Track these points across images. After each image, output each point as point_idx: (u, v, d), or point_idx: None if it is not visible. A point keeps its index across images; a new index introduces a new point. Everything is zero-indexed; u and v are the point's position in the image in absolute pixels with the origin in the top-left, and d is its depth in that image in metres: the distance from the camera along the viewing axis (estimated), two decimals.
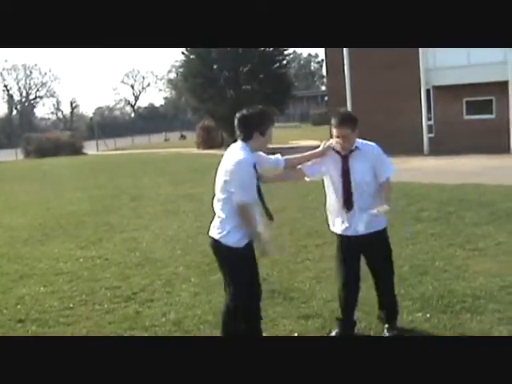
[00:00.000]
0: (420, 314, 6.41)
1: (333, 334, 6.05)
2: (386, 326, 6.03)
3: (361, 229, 5.73)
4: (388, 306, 6.09)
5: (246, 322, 5.55)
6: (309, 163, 5.91)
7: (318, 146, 5.84)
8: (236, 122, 5.33)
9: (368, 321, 6.29)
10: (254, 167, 5.23)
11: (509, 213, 11.20)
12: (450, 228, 10.34)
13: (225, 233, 5.31)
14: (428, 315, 6.36)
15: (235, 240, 5.29)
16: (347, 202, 5.78)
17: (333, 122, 5.72)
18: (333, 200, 5.92)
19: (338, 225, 5.95)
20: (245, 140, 5.28)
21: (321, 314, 6.61)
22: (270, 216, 5.49)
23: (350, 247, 5.92)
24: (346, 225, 5.86)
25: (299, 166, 5.93)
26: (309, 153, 5.93)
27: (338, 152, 5.78)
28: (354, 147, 5.72)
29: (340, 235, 5.97)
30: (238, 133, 5.34)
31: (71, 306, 7.55)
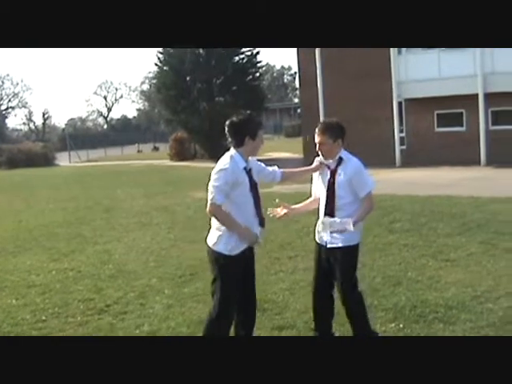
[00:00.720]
0: (393, 325, 6.44)
1: None
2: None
3: (326, 239, 5.83)
4: (353, 324, 6.02)
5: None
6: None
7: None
8: (226, 129, 5.45)
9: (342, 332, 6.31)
10: (246, 170, 5.37)
11: (480, 224, 11.32)
12: (422, 239, 10.43)
13: (216, 240, 5.39)
14: (401, 325, 6.40)
15: (228, 248, 5.37)
16: (328, 209, 5.84)
17: (316, 129, 5.83)
18: (320, 207, 6.01)
19: (316, 233, 6.02)
20: (237, 146, 5.41)
21: (294, 325, 6.62)
22: (261, 222, 5.56)
23: (321, 256, 5.99)
24: (321, 234, 5.93)
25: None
26: (304, 168, 6.11)
27: (327, 165, 5.87)
28: (338, 159, 5.79)
29: (316, 243, 6.05)
30: (229, 140, 5.47)
31: (44, 318, 7.47)
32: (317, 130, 5.81)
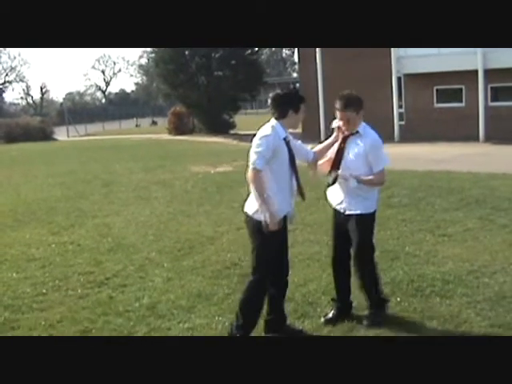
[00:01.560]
0: (391, 298, 6.50)
1: (329, 315, 6.12)
2: (365, 313, 6.12)
3: (344, 206, 5.95)
4: (365, 294, 6.16)
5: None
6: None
7: (291, 133, 5.93)
8: (270, 101, 5.62)
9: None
10: (285, 140, 5.48)
11: (478, 199, 11.37)
12: (420, 214, 10.48)
13: (256, 209, 5.46)
14: (398, 299, 6.47)
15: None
16: (332, 182, 5.95)
17: (336, 105, 5.86)
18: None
19: (333, 200, 6.13)
20: (279, 118, 5.53)
21: (293, 298, 6.66)
22: (302, 194, 5.71)
23: (337, 223, 6.11)
24: (336, 199, 6.05)
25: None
26: (328, 142, 6.09)
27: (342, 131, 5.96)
28: (355, 131, 5.86)
29: (333, 209, 6.15)
30: (272, 111, 5.59)
31: (44, 291, 7.53)
32: (338, 106, 5.85)
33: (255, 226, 5.53)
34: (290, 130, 5.62)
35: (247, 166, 5.44)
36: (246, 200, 5.68)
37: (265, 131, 5.47)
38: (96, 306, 6.91)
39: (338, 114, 5.88)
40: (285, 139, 5.49)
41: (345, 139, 5.91)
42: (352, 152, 5.85)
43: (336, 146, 5.98)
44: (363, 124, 5.92)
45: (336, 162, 5.89)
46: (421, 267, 7.55)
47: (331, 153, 6.01)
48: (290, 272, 5.94)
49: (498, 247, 8.26)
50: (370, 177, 5.85)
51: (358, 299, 6.28)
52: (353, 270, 6.16)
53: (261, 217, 5.42)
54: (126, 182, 17.08)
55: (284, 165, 5.50)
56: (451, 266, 7.54)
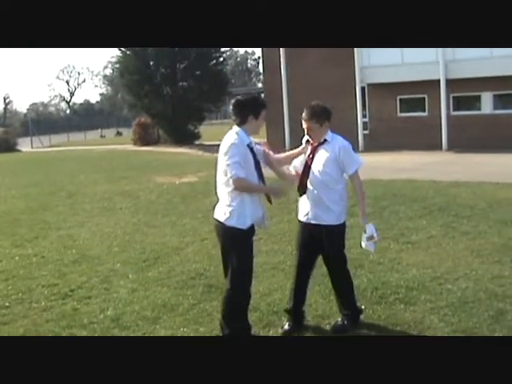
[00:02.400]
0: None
1: (286, 327, 6.15)
2: (337, 320, 6.18)
3: (310, 217, 6.03)
4: (342, 301, 6.24)
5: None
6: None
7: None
8: (231, 107, 5.68)
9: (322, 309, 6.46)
10: (249, 147, 5.54)
11: (441, 207, 11.52)
12: (384, 222, 10.56)
13: (229, 215, 5.50)
14: (363, 307, 6.50)
15: (241, 221, 5.49)
16: (300, 188, 6.02)
17: (303, 115, 5.96)
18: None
19: (300, 211, 6.20)
20: (240, 124, 5.57)
21: (258, 307, 6.69)
22: (269, 198, 5.82)
23: (302, 233, 6.16)
24: (303, 210, 6.12)
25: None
26: (294, 151, 6.18)
27: (311, 143, 6.06)
28: (323, 140, 5.96)
29: (298, 220, 6.22)
30: (233, 118, 5.64)
31: (7, 304, 7.44)
32: (303, 116, 5.96)
33: (228, 232, 5.56)
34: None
35: (214, 175, 5.47)
36: (213, 208, 5.71)
37: (230, 139, 5.52)
38: (60, 318, 6.85)
39: (303, 122, 5.98)
40: (248, 145, 5.54)
41: (313, 150, 5.99)
42: (321, 159, 5.92)
43: (304, 157, 6.06)
44: (330, 133, 6.01)
45: (305, 173, 5.98)
46: (385, 275, 7.62)
47: (300, 164, 6.09)
48: (253, 282, 5.94)
49: (460, 254, 8.38)
50: (360, 203, 6.19)
51: (323, 307, 6.34)
52: (329, 278, 6.26)
53: (232, 222, 5.48)
54: (90, 193, 16.96)
55: (251, 170, 5.55)
56: (415, 272, 7.62)
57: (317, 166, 5.93)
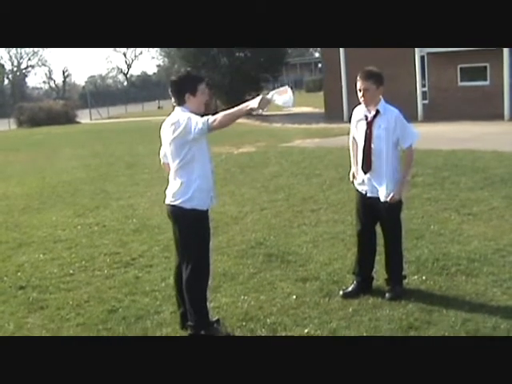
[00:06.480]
0: (416, 277, 6.50)
1: (348, 289, 6.19)
2: (387, 288, 6.15)
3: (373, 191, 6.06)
4: (391, 269, 6.22)
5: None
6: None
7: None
8: (169, 89, 5.46)
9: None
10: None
11: (503, 178, 11.28)
12: (445, 193, 10.42)
13: (187, 197, 5.36)
14: (424, 277, 6.46)
15: (199, 203, 5.39)
16: (365, 166, 6.02)
17: (358, 76, 5.91)
18: (358, 159, 6.17)
19: (357, 181, 6.22)
20: (180, 104, 5.40)
21: (318, 276, 6.70)
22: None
23: (363, 204, 6.17)
24: (363, 184, 6.13)
25: None
26: (238, 108, 5.76)
27: (365, 116, 5.99)
28: (376, 111, 5.90)
29: (357, 190, 6.24)
30: (172, 101, 5.47)
31: (71, 272, 7.62)
32: (359, 77, 5.90)
33: (181, 214, 5.39)
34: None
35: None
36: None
37: (175, 117, 5.35)
38: (122, 285, 6.98)
39: (358, 84, 5.91)
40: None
41: (370, 125, 5.95)
42: (379, 134, 5.89)
43: (363, 134, 6.02)
44: (382, 102, 5.94)
45: (368, 152, 5.97)
46: (446, 246, 7.52)
47: (360, 139, 6.10)
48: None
49: None
50: (405, 168, 6.10)
51: (380, 274, 6.34)
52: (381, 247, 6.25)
53: (188, 204, 5.32)
54: (149, 163, 17.11)
55: (203, 149, 5.49)
56: (476, 244, 7.50)
57: (375, 141, 5.91)
